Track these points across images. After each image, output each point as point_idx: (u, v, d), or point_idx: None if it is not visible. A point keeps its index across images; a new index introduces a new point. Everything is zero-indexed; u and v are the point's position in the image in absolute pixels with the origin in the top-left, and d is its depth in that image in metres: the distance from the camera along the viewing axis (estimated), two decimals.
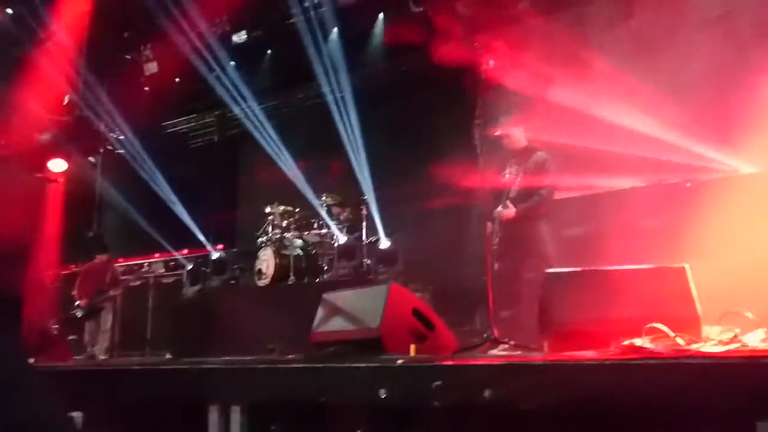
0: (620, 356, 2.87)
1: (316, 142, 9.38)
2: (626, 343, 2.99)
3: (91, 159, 11.36)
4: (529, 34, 6.61)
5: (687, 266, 3.45)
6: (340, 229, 7.73)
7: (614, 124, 6.01)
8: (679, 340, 2.95)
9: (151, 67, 10.67)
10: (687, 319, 3.27)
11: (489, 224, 5.06)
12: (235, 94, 10.03)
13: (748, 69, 5.57)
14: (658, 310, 3.22)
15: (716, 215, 4.88)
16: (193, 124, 11.90)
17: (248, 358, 4.74)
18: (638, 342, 2.95)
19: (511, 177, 5.15)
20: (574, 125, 6.05)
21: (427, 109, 8.25)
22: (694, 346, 2.90)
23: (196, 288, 8.67)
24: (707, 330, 3.31)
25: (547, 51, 6.35)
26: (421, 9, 8.53)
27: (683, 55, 5.91)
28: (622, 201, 5.87)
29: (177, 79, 11.33)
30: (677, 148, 5.75)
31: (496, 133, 5.18)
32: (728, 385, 2.30)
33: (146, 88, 11.47)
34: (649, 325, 3.01)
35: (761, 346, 3.06)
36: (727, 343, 3.02)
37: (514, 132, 5.26)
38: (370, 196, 8.12)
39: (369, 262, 7.50)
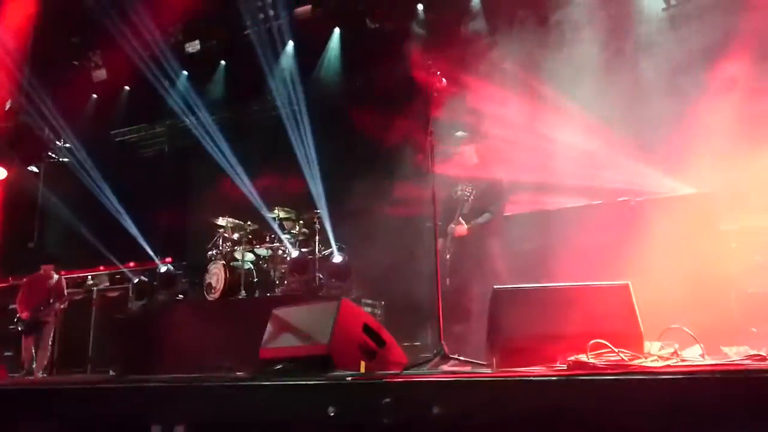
0: (566, 372, 2.93)
1: (269, 155, 9.30)
2: (572, 358, 3.06)
3: (33, 167, 10.97)
4: (481, 56, 6.77)
5: (629, 283, 3.56)
6: (293, 243, 7.69)
7: (562, 145, 6.19)
8: (623, 356, 3.04)
9: (100, 74, 10.44)
10: (630, 335, 3.37)
11: (441, 240, 5.11)
12: (187, 104, 9.87)
13: (683, 97, 5.84)
14: (603, 326, 3.31)
15: (657, 233, 5.07)
16: (143, 133, 11.63)
17: (193, 375, 4.62)
18: (583, 358, 3.02)
19: (464, 194, 5.21)
20: (524, 145, 6.19)
21: (382, 125, 8.30)
22: (636, 362, 2.99)
23: (143, 302, 8.43)
24: (648, 345, 3.42)
25: (497, 72, 6.51)
26: (377, 26, 8.61)
27: (625, 81, 6.16)
28: (570, 218, 6.03)
29: (127, 88, 11.12)
30: (622, 169, 5.95)
31: (449, 151, 5.25)
32: (668, 400, 2.39)
33: (94, 96, 11.21)
34: (594, 341, 3.08)
35: (698, 361, 3.17)
36: (666, 359, 3.13)
37: (466, 150, 5.34)
38: (323, 210, 8.11)
39: (321, 276, 7.47)
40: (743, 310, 4.80)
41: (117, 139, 11.60)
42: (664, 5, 6.71)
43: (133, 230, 9.76)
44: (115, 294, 9.11)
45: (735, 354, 3.26)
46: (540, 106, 6.35)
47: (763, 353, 3.03)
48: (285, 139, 8.88)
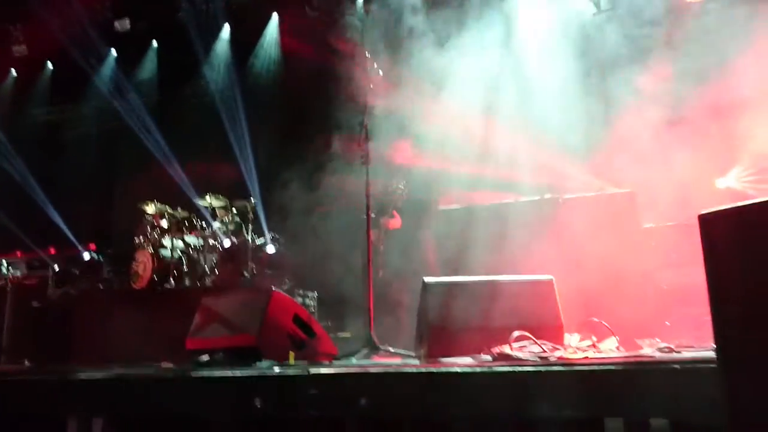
0: (490, 363, 3.02)
1: (202, 141, 9.05)
2: (497, 350, 3.16)
3: None
4: (415, 53, 6.85)
5: (553, 279, 3.71)
6: (225, 232, 7.57)
7: (493, 144, 6.35)
8: (544, 347, 3.16)
9: (20, 50, 9.88)
10: (551, 327, 3.52)
11: (374, 232, 5.15)
12: (116, 85, 9.49)
13: (609, 99, 6.10)
14: (527, 319, 3.46)
15: (582, 230, 5.28)
16: (67, 114, 11.06)
17: (114, 367, 4.49)
18: (507, 349, 3.13)
19: (398, 187, 5.27)
20: (460, 143, 6.30)
21: (318, 114, 8.25)
22: (556, 353, 3.12)
23: (62, 290, 8.07)
24: (568, 337, 3.58)
25: (432, 68, 6.61)
26: (316, 14, 8.53)
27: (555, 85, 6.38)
28: (500, 214, 6.20)
29: (50, 65, 10.59)
30: (551, 168, 6.16)
31: (384, 145, 5.30)
32: (583, 388, 2.51)
33: (14, 72, 10.62)
34: (517, 333, 3.20)
35: (614, 353, 3.34)
36: (584, 350, 3.28)
37: (401, 144, 5.39)
38: (257, 199, 8.00)
39: (254, 266, 7.40)
40: (658, 305, 5.06)
41: (39, 119, 11.01)
42: (595, 10, 6.97)
43: (54, 215, 9.31)
44: (32, 281, 8.67)
45: (648, 346, 3.45)
46: (472, 105, 6.47)
47: (672, 346, 3.22)
48: (218, 125, 8.69)
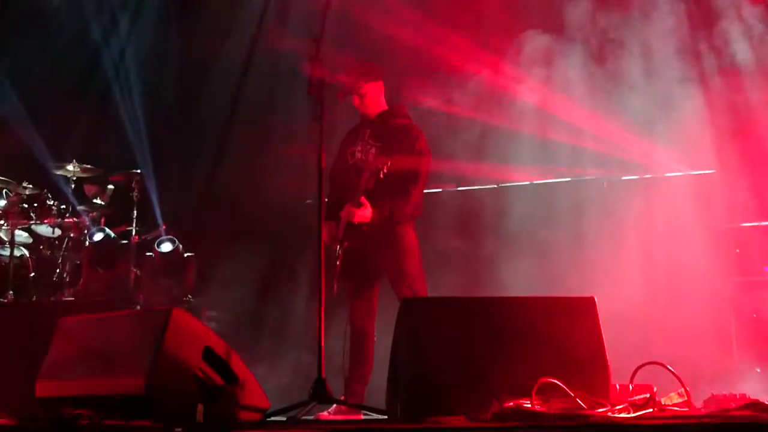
0: (499, 425, 3.04)
1: (65, 86, 8.94)
2: (510, 403, 3.18)
3: None
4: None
5: (594, 298, 3.73)
6: (95, 220, 7.53)
7: None
8: (581, 401, 3.19)
9: None
10: (592, 371, 3.54)
11: (329, 226, 5.13)
12: None
13: None
14: (555, 357, 3.47)
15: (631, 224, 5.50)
16: None
17: None
18: (525, 404, 3.15)
19: (366, 160, 5.24)
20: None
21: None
22: (599, 410, 3.15)
23: None
24: (616, 387, 3.63)
25: None
26: None
27: None
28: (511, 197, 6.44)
29: None
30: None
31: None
32: None
33: None
34: (542, 380, 3.22)
35: (682, 412, 3.41)
36: (640, 406, 3.32)
37: (372, 89, 5.40)
38: (147, 170, 8.01)
39: (139, 273, 7.39)
40: (744, 342, 5.20)
41: None
42: None
43: None
44: None
45: (731, 402, 3.52)
46: None
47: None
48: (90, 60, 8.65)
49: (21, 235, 7.44)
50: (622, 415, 3.15)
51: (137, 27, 9.06)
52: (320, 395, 4.09)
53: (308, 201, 6.93)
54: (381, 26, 7.07)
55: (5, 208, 7.41)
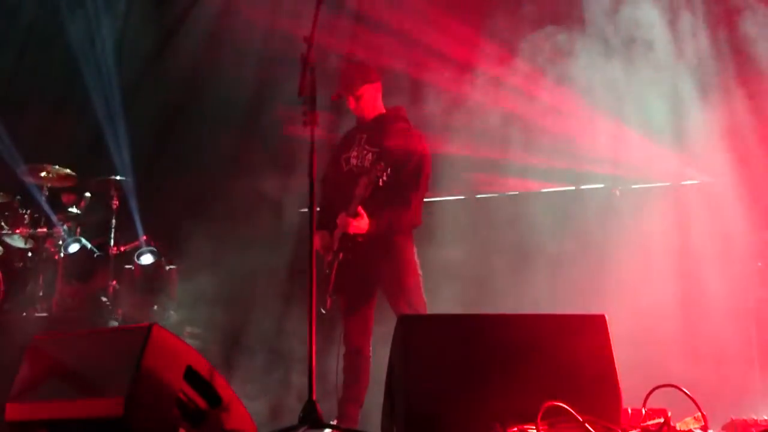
0: None
1: (40, 85, 8.94)
2: (515, 430, 3.14)
3: None
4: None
5: (605, 316, 3.70)
6: (70, 230, 7.56)
7: None
8: (590, 426, 3.15)
9: None
10: (602, 394, 3.50)
11: (321, 237, 5.10)
12: None
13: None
14: (563, 379, 3.44)
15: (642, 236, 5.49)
16: None
17: None
18: (532, 430, 3.10)
19: (367, 166, 5.21)
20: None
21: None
22: None
23: None
24: (628, 412, 3.59)
25: None
26: None
27: None
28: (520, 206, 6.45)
29: None
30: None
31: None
32: None
33: None
34: (548, 404, 3.17)
35: None
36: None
37: (368, 91, 5.36)
38: (127, 178, 7.99)
39: (117, 287, 7.42)
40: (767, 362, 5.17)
41: None
42: None
43: None
44: None
45: (753, 427, 3.48)
46: None
47: None
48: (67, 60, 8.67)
49: None
50: None
51: (118, 29, 9.09)
52: (311, 419, 4.04)
53: (301, 210, 6.93)
54: (380, 26, 7.13)
55: None
